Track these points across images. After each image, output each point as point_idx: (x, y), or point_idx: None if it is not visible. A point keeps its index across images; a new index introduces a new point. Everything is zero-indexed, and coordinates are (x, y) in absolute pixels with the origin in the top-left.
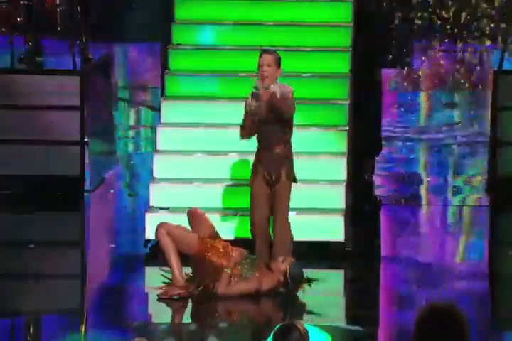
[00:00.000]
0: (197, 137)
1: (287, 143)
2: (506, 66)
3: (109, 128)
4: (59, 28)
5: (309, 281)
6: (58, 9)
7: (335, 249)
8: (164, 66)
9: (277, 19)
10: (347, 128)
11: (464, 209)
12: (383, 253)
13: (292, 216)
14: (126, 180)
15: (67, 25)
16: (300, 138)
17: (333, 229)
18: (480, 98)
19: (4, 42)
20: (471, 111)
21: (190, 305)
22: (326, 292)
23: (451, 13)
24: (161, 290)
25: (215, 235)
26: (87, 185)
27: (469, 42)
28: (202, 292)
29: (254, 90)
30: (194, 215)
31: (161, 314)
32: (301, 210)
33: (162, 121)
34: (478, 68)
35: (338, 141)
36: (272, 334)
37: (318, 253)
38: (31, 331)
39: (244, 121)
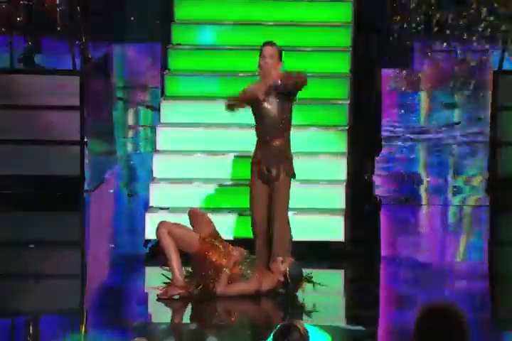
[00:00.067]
0: (197, 137)
1: (287, 136)
2: (506, 66)
3: (109, 128)
4: (59, 28)
5: (310, 281)
6: (58, 9)
7: (335, 249)
8: (164, 66)
9: (277, 19)
10: (347, 128)
11: (464, 209)
12: (383, 253)
13: (291, 216)
14: (125, 180)
15: (67, 25)
16: (300, 138)
17: (333, 229)
18: (480, 98)
19: (4, 42)
20: (471, 111)
21: (190, 305)
22: (326, 292)
23: (452, 13)
24: (160, 291)
25: (216, 234)
26: (86, 185)
27: (469, 43)
28: (201, 292)
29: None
30: (195, 215)
31: (161, 314)
32: (301, 210)
33: (162, 121)
34: (478, 68)
35: (338, 141)
36: (271, 334)
37: (318, 253)
38: (31, 331)
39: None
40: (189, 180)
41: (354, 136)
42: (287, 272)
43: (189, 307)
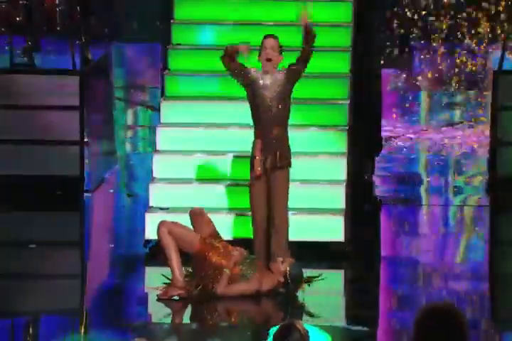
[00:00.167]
0: (197, 137)
1: (285, 126)
2: (506, 66)
3: (109, 128)
4: (58, 28)
5: (310, 280)
6: (58, 9)
7: (335, 249)
8: (164, 66)
9: (277, 19)
10: (347, 128)
11: (464, 210)
12: (383, 253)
13: (291, 216)
14: (125, 180)
15: (66, 25)
16: (300, 138)
17: (333, 229)
18: (480, 98)
19: (4, 42)
20: (472, 111)
21: (190, 305)
22: (326, 292)
23: (452, 14)
24: (160, 291)
25: (216, 234)
26: (86, 185)
27: (469, 43)
28: (201, 292)
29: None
30: (196, 215)
31: (161, 314)
32: (301, 210)
33: (162, 121)
34: (478, 68)
35: (338, 141)
36: (272, 334)
37: (318, 253)
38: (31, 331)
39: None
40: (189, 180)
41: (354, 136)
42: (287, 272)
43: (189, 307)
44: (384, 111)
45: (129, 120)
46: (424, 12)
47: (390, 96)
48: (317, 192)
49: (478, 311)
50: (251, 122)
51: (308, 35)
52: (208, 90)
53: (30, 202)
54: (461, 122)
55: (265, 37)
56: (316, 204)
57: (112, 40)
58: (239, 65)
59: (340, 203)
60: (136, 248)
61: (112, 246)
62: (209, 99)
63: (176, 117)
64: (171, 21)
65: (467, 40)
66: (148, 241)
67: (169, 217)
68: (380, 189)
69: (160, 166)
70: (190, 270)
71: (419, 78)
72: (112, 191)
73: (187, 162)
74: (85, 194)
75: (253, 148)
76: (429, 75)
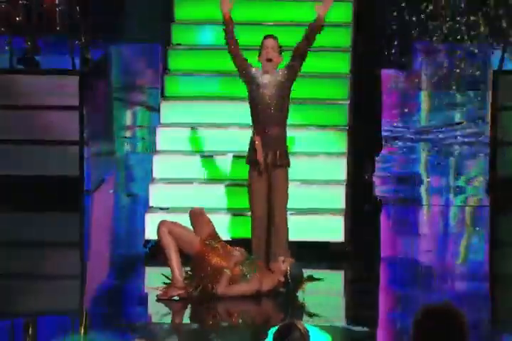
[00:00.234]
0: (197, 137)
1: (284, 126)
2: (506, 66)
3: (109, 128)
4: (58, 28)
5: (310, 280)
6: (57, 9)
7: (335, 249)
8: (164, 66)
9: (277, 19)
10: (347, 128)
11: (464, 210)
12: (383, 253)
13: (291, 216)
14: (124, 180)
15: (66, 25)
16: (300, 138)
17: (333, 230)
18: (480, 98)
19: (3, 42)
20: (472, 111)
21: (190, 305)
22: (326, 292)
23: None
24: (160, 291)
25: (215, 234)
26: (86, 185)
27: (469, 43)
28: (201, 293)
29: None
30: (195, 215)
31: (161, 314)
32: (301, 210)
33: (162, 121)
34: (478, 68)
35: (338, 141)
36: (272, 334)
37: (318, 253)
38: (31, 331)
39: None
40: (189, 180)
41: (354, 136)
42: (288, 272)
43: (189, 307)
44: (384, 111)
45: (128, 120)
46: (425, 11)
47: (390, 96)
48: (317, 192)
49: (478, 311)
50: (251, 122)
51: (316, 31)
52: (208, 90)
53: (30, 202)
54: (461, 122)
55: (265, 37)
56: (316, 204)
57: (112, 40)
58: (243, 61)
59: (340, 203)
60: (136, 248)
61: (112, 246)
62: (209, 99)
63: (175, 117)
64: (171, 21)
65: (467, 41)
66: (148, 241)
67: (169, 217)
68: (380, 189)
69: (160, 166)
70: (190, 272)
71: (419, 78)
72: (111, 191)
73: (187, 162)
74: (85, 194)
75: (251, 144)
76: (429, 75)
